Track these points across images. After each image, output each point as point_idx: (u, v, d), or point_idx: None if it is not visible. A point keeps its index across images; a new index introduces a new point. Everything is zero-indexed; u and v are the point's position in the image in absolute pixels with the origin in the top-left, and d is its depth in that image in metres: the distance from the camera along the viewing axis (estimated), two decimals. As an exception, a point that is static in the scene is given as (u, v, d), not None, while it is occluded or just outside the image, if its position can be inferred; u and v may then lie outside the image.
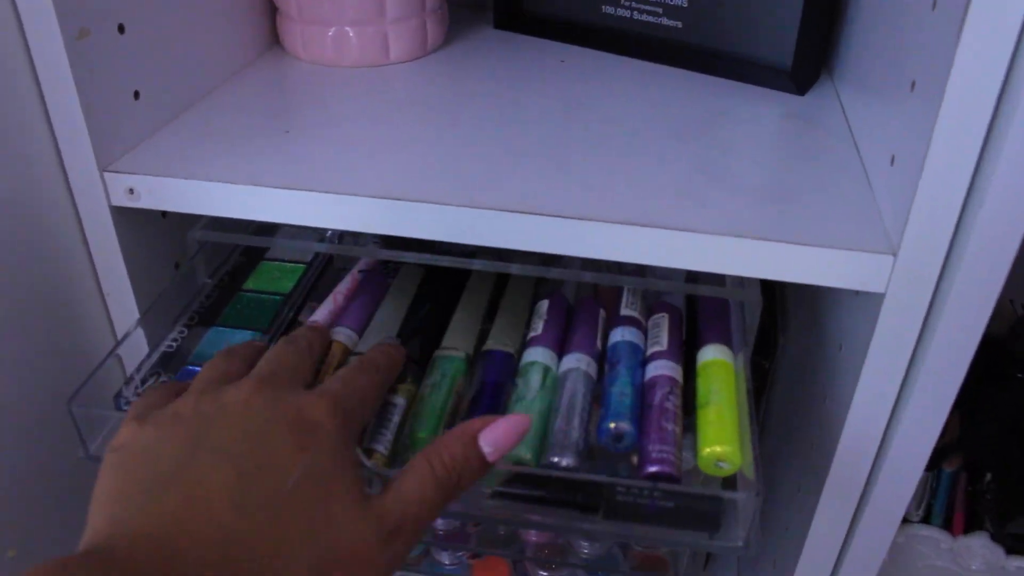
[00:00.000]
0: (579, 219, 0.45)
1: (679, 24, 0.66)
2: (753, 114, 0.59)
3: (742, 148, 0.53)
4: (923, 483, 0.61)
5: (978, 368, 0.45)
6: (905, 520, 0.61)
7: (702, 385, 0.48)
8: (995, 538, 0.59)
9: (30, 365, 0.51)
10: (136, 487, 0.32)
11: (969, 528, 0.60)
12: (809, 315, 0.62)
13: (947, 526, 0.60)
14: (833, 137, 0.55)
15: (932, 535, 0.60)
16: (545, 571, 0.67)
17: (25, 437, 0.52)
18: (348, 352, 0.50)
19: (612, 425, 0.45)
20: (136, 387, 0.49)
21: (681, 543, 0.43)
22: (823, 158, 0.53)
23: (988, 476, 0.58)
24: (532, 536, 0.68)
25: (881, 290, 0.44)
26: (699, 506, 0.43)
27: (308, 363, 0.41)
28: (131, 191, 0.50)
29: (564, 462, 0.44)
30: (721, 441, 0.43)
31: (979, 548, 0.59)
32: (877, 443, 0.49)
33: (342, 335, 0.50)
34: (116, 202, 0.51)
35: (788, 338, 0.68)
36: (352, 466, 0.35)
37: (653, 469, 0.43)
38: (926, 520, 0.61)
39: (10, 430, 0.51)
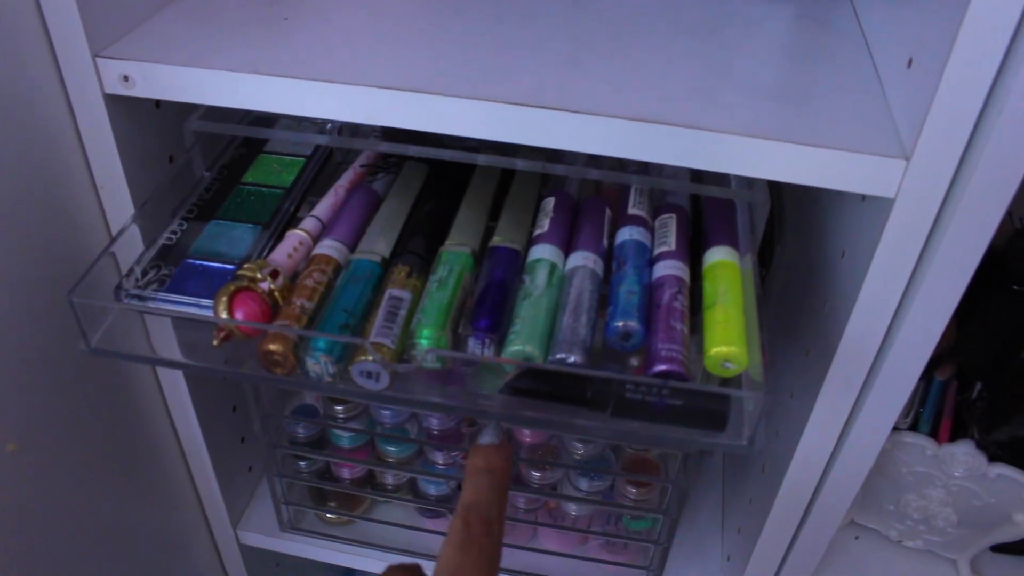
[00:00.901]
0: (588, 114, 0.44)
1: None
2: (764, 13, 0.57)
3: (752, 48, 0.52)
4: (913, 391, 0.62)
5: (975, 278, 0.45)
6: (893, 427, 0.62)
7: (709, 286, 0.47)
8: (979, 445, 0.60)
9: (24, 259, 0.51)
10: None
11: (955, 436, 0.61)
12: (809, 221, 0.61)
13: (933, 434, 0.61)
14: (845, 39, 0.54)
15: (918, 442, 0.61)
16: (538, 471, 0.68)
17: (23, 332, 0.51)
18: (338, 267, 0.50)
19: (620, 324, 0.45)
20: (136, 279, 0.49)
21: (687, 441, 0.43)
22: (834, 60, 0.51)
23: (979, 385, 0.58)
24: (526, 437, 0.69)
25: (891, 195, 0.43)
26: (707, 404, 0.43)
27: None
28: (125, 78, 0.48)
29: (571, 359, 0.44)
30: (728, 342, 0.43)
31: (962, 455, 0.60)
32: (875, 350, 0.50)
33: (333, 249, 0.50)
34: (110, 90, 0.49)
35: (785, 245, 0.68)
36: None
37: (662, 368, 0.43)
38: (913, 427, 0.62)
39: (8, 326, 0.50)
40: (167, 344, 0.50)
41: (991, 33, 0.38)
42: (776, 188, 0.72)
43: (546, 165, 0.49)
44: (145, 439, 0.66)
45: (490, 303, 0.47)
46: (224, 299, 0.46)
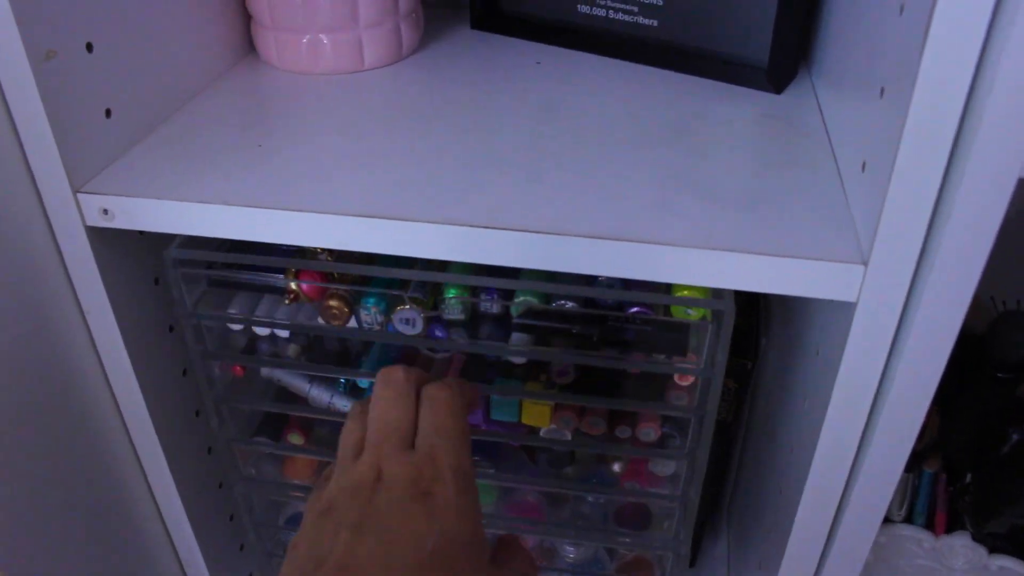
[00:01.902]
0: (548, 234, 0.45)
1: (655, 23, 0.65)
2: (729, 115, 0.58)
3: (717, 152, 0.53)
4: (905, 483, 0.61)
5: (957, 366, 0.45)
6: (888, 520, 0.61)
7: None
8: (976, 537, 0.59)
9: (12, 379, 0.51)
10: (296, 572, 0.37)
11: (951, 527, 0.60)
12: (789, 319, 0.62)
13: (929, 526, 0.60)
14: (810, 139, 0.55)
15: (914, 535, 0.60)
16: (532, 574, 0.67)
17: (15, 468, 0.52)
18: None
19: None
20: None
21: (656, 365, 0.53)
22: (799, 161, 0.52)
23: (968, 476, 0.58)
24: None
25: (852, 299, 0.44)
26: (669, 333, 0.52)
27: (408, 414, 0.42)
28: (105, 211, 0.50)
29: (568, 304, 0.53)
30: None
31: (961, 547, 0.59)
32: (855, 444, 0.49)
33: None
34: (91, 222, 0.51)
35: (771, 340, 0.68)
36: (477, 518, 0.40)
37: (634, 310, 0.53)
38: (908, 520, 0.61)
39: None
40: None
41: (935, 137, 0.38)
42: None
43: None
44: (141, 551, 0.66)
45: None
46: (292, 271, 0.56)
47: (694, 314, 0.52)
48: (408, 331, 0.55)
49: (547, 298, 0.54)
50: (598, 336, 0.53)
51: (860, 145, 0.46)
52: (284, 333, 0.58)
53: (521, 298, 0.55)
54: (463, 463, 0.40)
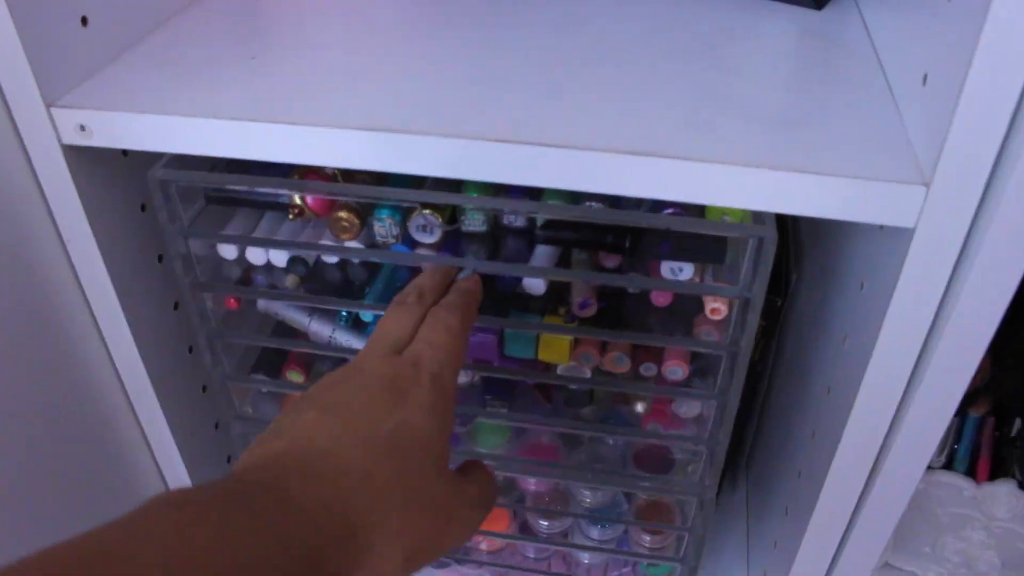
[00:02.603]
0: (574, 148, 0.40)
1: (684, -69, 0.60)
2: (766, 31, 0.54)
3: (753, 69, 0.49)
4: (947, 427, 0.58)
5: (1011, 307, 0.41)
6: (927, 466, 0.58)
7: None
8: (1022, 486, 0.55)
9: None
10: (256, 441, 0.39)
11: (994, 475, 0.57)
12: (826, 251, 0.57)
13: (971, 472, 0.57)
14: (855, 56, 0.50)
15: (954, 482, 0.57)
16: (546, 520, 0.65)
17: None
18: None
19: None
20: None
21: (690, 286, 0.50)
22: (844, 80, 0.48)
23: (1018, 421, 0.54)
24: (531, 485, 0.65)
25: (910, 225, 0.40)
26: (706, 242, 0.47)
27: (407, 325, 0.44)
28: (82, 128, 0.46)
29: (595, 204, 0.49)
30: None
31: (1005, 496, 0.56)
32: (903, 386, 0.46)
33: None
34: (67, 140, 0.47)
35: (802, 275, 0.64)
36: (439, 424, 0.40)
37: (669, 211, 0.49)
38: (948, 467, 0.57)
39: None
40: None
41: (1012, 44, 0.34)
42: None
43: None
44: (133, 494, 0.63)
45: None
46: (296, 178, 0.52)
47: (731, 218, 0.48)
48: (426, 239, 0.50)
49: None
50: (630, 245, 0.48)
51: (921, 57, 0.42)
52: (281, 263, 0.53)
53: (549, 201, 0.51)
54: (444, 375, 0.42)
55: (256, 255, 0.53)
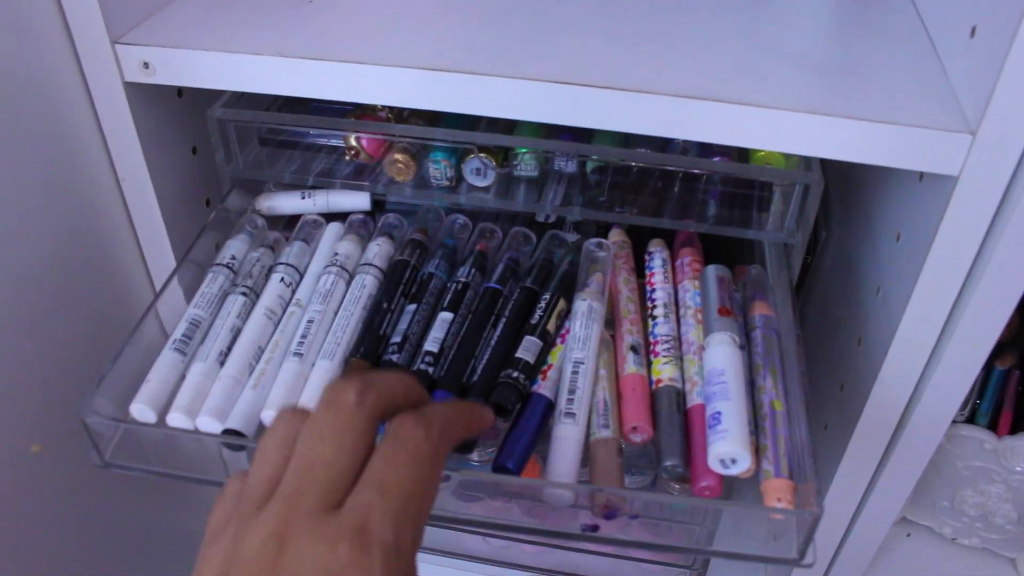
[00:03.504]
0: (630, 91, 0.42)
1: None
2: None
3: (798, 21, 0.50)
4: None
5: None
6: (949, 420, 0.59)
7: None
8: (1043, 439, 0.57)
9: (45, 254, 0.49)
10: None
11: (1016, 429, 0.58)
12: (858, 204, 0.59)
13: (992, 426, 0.58)
14: (895, 11, 0.52)
15: (976, 435, 0.58)
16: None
17: (42, 331, 0.50)
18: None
19: None
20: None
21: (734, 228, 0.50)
22: (886, 32, 0.49)
23: (1043, 374, 0.56)
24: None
25: (955, 173, 0.41)
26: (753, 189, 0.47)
27: (348, 456, 0.31)
28: (146, 65, 0.47)
29: (641, 149, 0.49)
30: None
31: (1024, 448, 0.57)
32: (935, 337, 0.47)
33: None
34: (130, 78, 0.48)
35: (831, 234, 0.65)
36: None
37: (717, 159, 0.48)
38: (971, 420, 0.59)
39: (27, 323, 0.49)
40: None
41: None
42: (823, 168, 0.69)
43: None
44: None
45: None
46: (351, 118, 0.52)
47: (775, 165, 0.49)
48: (480, 183, 0.51)
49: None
50: (678, 191, 0.49)
51: (969, 10, 0.43)
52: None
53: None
54: (401, 540, 0.29)
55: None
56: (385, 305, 0.47)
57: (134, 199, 0.53)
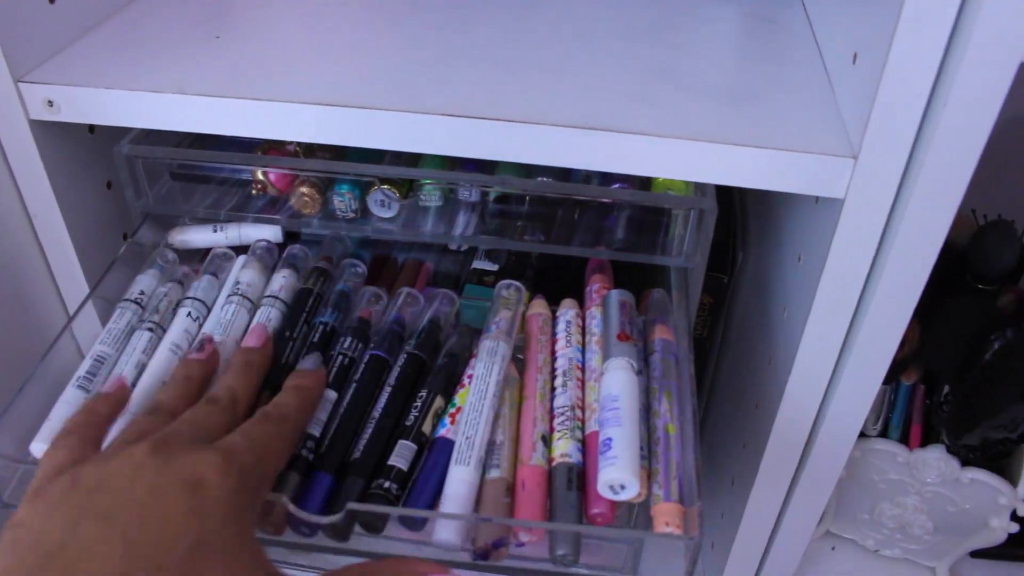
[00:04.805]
0: (525, 123, 0.42)
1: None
2: (712, 14, 0.57)
3: (698, 49, 0.51)
4: (881, 396, 0.60)
5: (938, 278, 0.44)
6: (862, 435, 0.60)
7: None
8: (950, 450, 0.58)
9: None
10: (21, 569, 0.30)
11: (926, 441, 0.60)
12: (768, 226, 0.60)
13: (904, 440, 0.60)
14: (794, 37, 0.53)
15: (888, 449, 0.59)
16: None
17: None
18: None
19: None
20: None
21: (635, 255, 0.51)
22: (783, 57, 0.51)
23: (946, 388, 0.57)
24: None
25: (840, 196, 0.42)
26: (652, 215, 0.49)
27: (222, 419, 0.38)
28: (50, 103, 0.47)
29: (542, 178, 0.51)
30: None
31: (934, 461, 0.59)
32: (836, 353, 0.48)
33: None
34: (35, 115, 0.47)
35: (747, 254, 0.67)
36: (249, 533, 0.33)
37: (617, 186, 0.50)
38: (883, 434, 0.60)
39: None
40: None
41: (932, 23, 0.37)
42: (740, 192, 0.71)
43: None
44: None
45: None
46: (258, 152, 0.53)
47: (675, 191, 0.50)
48: (384, 214, 0.51)
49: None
50: (585, 219, 0.50)
51: (852, 37, 0.44)
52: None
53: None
54: (253, 466, 0.35)
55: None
56: (287, 334, 0.47)
57: (46, 235, 0.53)
